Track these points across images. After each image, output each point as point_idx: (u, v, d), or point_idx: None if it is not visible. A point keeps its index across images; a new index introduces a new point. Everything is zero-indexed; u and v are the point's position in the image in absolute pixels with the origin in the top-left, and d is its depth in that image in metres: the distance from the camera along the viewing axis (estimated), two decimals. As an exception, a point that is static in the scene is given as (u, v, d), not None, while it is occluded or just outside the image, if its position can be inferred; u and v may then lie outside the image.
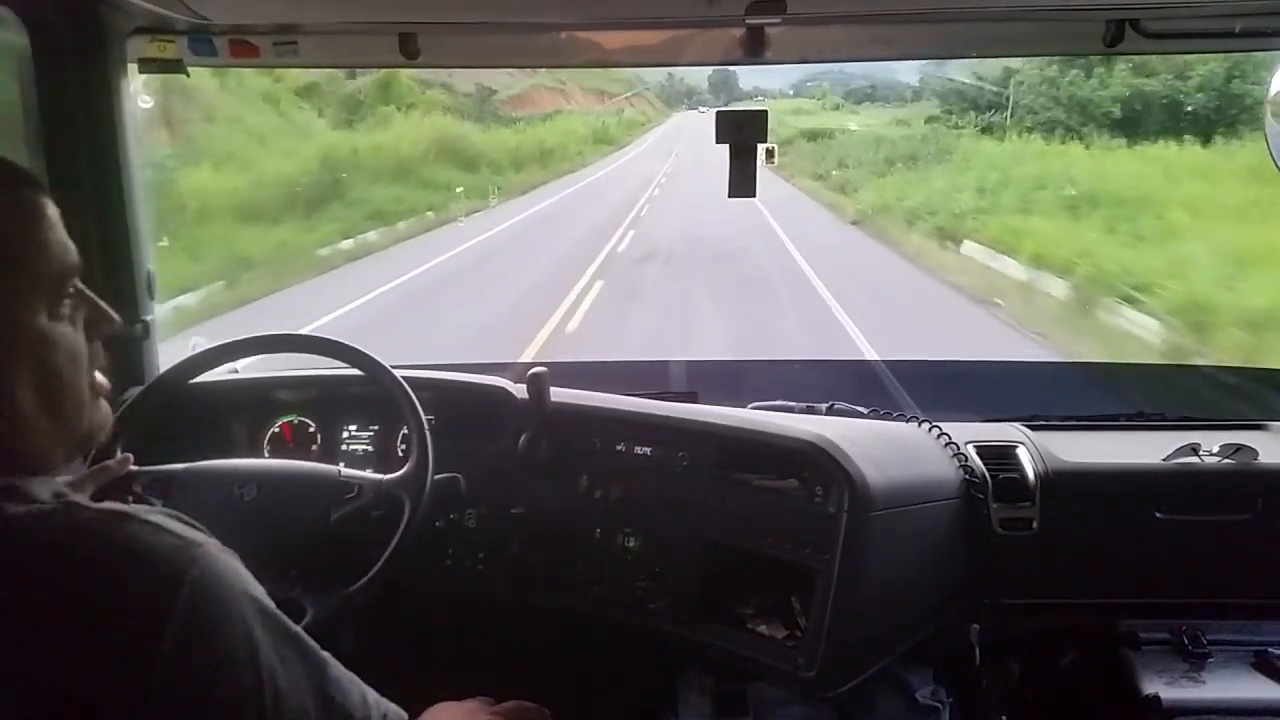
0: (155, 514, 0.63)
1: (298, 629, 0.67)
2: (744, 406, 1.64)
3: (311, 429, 1.62)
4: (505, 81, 23.80)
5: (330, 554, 1.28)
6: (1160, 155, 11.99)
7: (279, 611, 0.66)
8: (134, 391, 1.43)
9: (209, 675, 0.59)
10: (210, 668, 0.59)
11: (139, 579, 0.58)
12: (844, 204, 15.25)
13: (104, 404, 0.73)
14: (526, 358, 6.21)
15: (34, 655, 0.55)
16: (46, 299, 0.65)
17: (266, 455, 1.60)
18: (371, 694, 0.74)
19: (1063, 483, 1.50)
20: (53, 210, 0.67)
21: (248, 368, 1.60)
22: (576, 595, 1.45)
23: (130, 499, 1.23)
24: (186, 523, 0.65)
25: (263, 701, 0.61)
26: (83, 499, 0.63)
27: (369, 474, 1.33)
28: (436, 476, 1.33)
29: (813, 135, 21.42)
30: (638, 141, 31.07)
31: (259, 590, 0.65)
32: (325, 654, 0.69)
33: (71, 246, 0.68)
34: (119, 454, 1.26)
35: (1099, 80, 14.24)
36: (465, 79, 20.61)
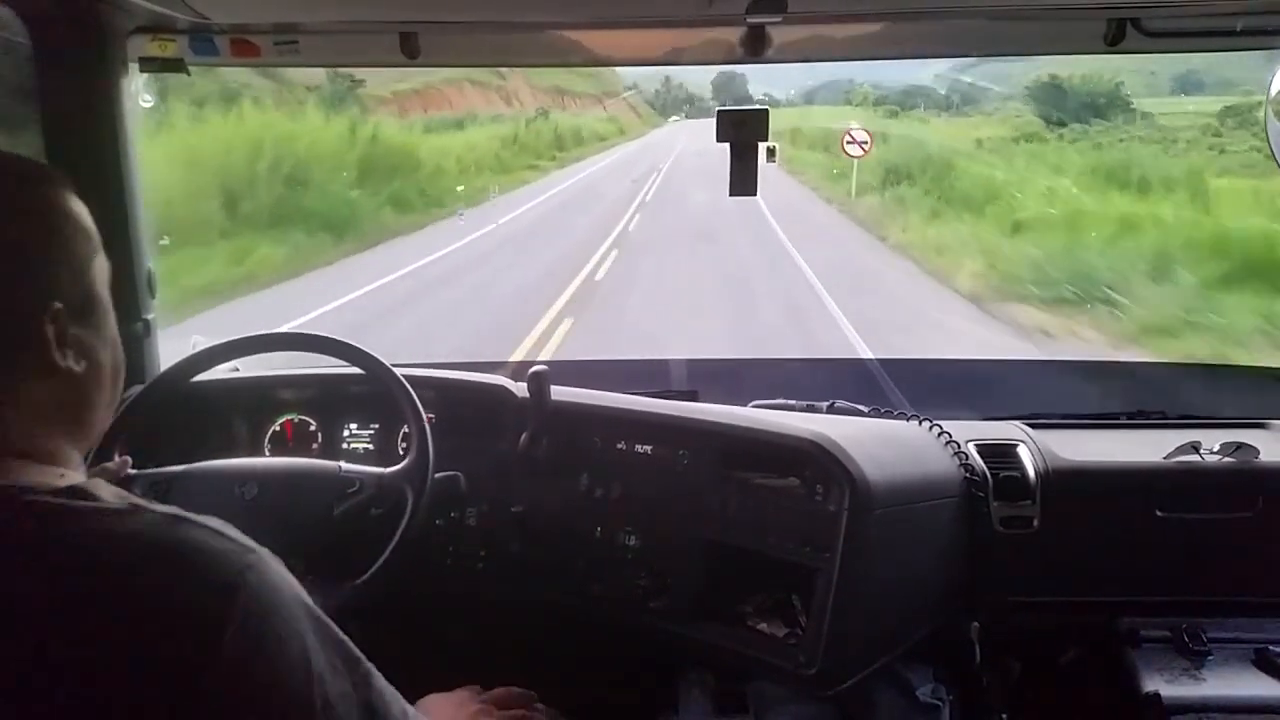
0: (211, 520, 0.63)
1: (344, 637, 0.67)
2: (744, 405, 1.64)
3: (312, 427, 1.62)
4: (397, 71, 12.30)
5: (336, 548, 1.29)
6: None
7: (329, 620, 0.66)
8: (135, 390, 1.43)
9: (264, 679, 0.59)
10: (266, 672, 0.59)
11: (201, 581, 0.59)
12: None
13: None
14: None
15: (95, 653, 0.55)
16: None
17: (267, 454, 1.60)
18: (411, 709, 0.74)
19: (1063, 481, 1.51)
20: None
21: (248, 366, 1.60)
22: (577, 594, 1.45)
23: None
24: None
25: (313, 708, 0.61)
26: (145, 502, 0.63)
27: (370, 468, 1.34)
28: (437, 475, 1.33)
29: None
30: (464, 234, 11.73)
31: (309, 598, 0.65)
32: (369, 664, 0.69)
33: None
34: (118, 456, 1.26)
35: None
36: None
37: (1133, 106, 15.76)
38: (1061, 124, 15.45)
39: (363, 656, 0.68)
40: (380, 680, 0.70)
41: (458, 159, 15.03)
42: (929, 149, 14.02)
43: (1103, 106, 15.96)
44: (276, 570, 0.64)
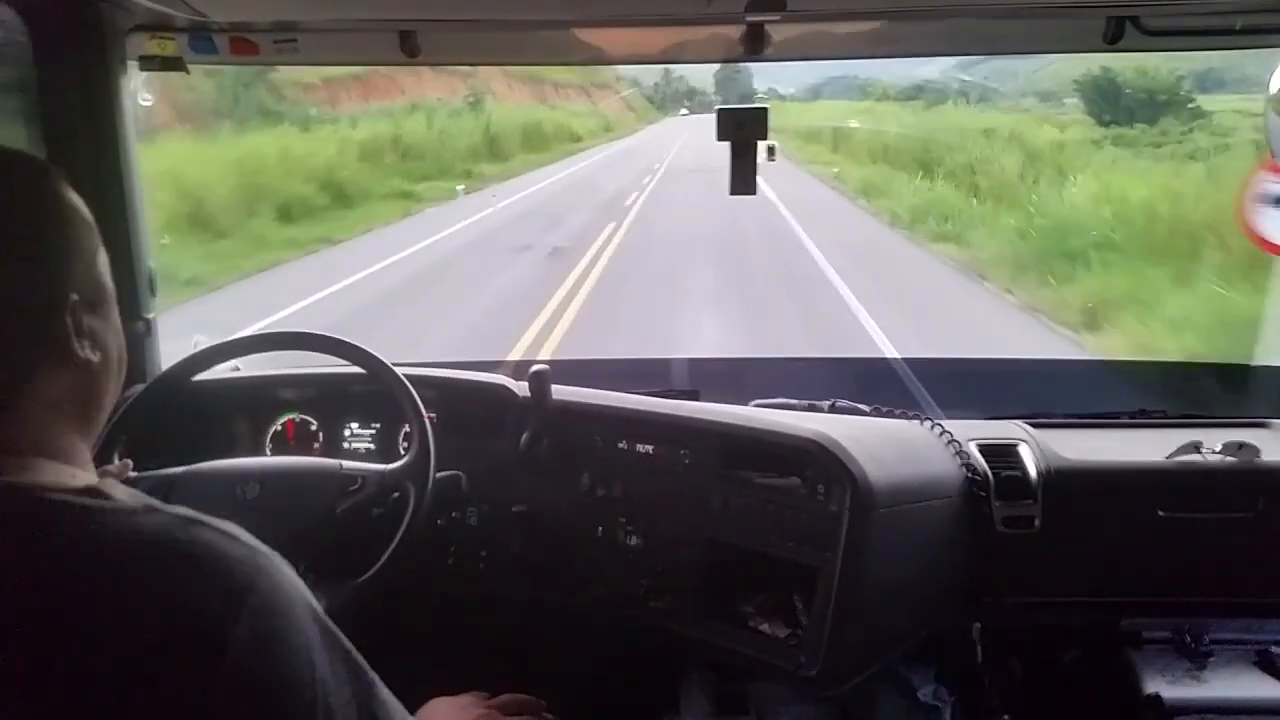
0: (223, 523, 0.64)
1: (350, 646, 0.67)
2: (746, 404, 1.64)
3: (314, 427, 1.62)
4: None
5: (338, 547, 1.29)
6: None
7: (335, 628, 0.66)
8: (136, 389, 1.43)
9: (269, 683, 0.59)
10: (271, 676, 0.59)
11: (212, 583, 0.59)
12: None
13: None
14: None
15: (105, 653, 0.56)
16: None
17: (269, 453, 1.60)
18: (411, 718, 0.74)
19: (1065, 481, 1.50)
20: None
21: (249, 366, 1.60)
22: (578, 593, 1.45)
23: None
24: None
25: (314, 715, 0.61)
26: (159, 503, 0.64)
27: (372, 465, 1.34)
28: (438, 474, 1.33)
29: None
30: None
31: (317, 604, 0.65)
32: (373, 674, 0.69)
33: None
34: (118, 459, 1.26)
35: None
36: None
37: (1195, 103, 13.44)
38: (1116, 123, 13.43)
39: (367, 666, 0.68)
40: (384, 691, 0.69)
41: (184, 194, 7.68)
42: None
43: (1164, 104, 13.64)
44: (287, 575, 0.64)
